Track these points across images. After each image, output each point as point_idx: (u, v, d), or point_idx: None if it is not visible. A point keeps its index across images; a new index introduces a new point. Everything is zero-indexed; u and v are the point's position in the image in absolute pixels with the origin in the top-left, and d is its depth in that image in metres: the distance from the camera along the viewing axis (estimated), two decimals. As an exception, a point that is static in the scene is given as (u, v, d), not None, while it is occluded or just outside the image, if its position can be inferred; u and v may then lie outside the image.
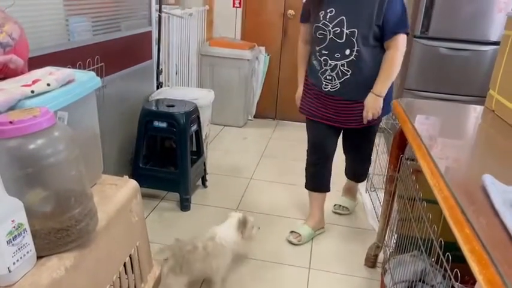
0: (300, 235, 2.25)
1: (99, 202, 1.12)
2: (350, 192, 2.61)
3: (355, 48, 1.94)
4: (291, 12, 3.89)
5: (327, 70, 2.03)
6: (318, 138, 2.25)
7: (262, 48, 3.98)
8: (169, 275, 1.64)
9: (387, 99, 2.04)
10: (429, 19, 3.01)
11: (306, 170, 2.34)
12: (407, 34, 1.95)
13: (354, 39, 1.92)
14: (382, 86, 1.98)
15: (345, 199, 2.59)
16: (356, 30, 1.90)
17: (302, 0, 2.38)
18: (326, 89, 2.07)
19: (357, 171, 2.48)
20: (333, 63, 2.01)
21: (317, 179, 2.30)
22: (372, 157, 2.45)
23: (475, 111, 1.75)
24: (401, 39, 1.93)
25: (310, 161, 2.31)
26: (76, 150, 0.95)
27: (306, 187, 2.34)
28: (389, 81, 1.99)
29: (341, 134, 2.29)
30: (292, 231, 2.28)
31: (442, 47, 3.04)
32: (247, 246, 2.05)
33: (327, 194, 2.35)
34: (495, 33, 2.93)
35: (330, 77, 2.04)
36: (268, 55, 4.03)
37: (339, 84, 2.03)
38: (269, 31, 3.99)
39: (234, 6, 3.93)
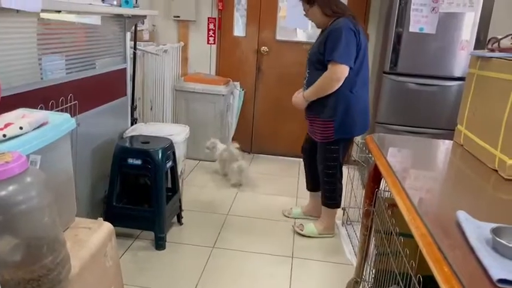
0: (291, 211, 2.91)
1: (72, 247, 1.08)
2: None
3: (308, 71, 2.46)
4: (264, 48, 3.98)
5: (303, 87, 2.53)
6: (304, 142, 2.76)
7: (237, 84, 4.04)
8: None
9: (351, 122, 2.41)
10: (397, 56, 3.14)
11: None
12: (344, 64, 2.28)
13: (308, 63, 2.46)
14: (308, 93, 2.41)
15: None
16: (309, 56, 2.45)
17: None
18: None
19: (322, 189, 2.67)
20: (304, 81, 2.51)
21: (305, 178, 2.85)
22: (335, 184, 2.58)
23: (445, 146, 1.80)
24: (332, 66, 2.29)
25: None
26: (49, 195, 0.92)
27: None
28: (315, 92, 2.38)
29: None
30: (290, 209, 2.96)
31: (410, 82, 3.15)
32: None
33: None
34: (459, 69, 3.08)
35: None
36: (243, 90, 4.08)
37: None
38: (243, 67, 4.06)
39: (208, 43, 3.99)
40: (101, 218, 1.28)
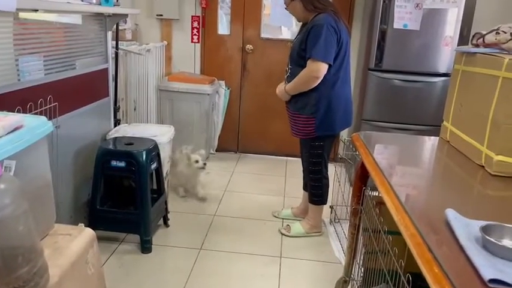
0: (280, 212, 2.89)
1: (51, 255, 1.04)
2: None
3: (289, 67, 2.44)
4: (249, 46, 3.95)
5: (285, 82, 2.50)
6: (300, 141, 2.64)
7: (222, 82, 4.00)
8: None
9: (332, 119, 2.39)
10: (382, 52, 3.13)
11: None
12: (322, 62, 2.26)
13: (290, 59, 2.43)
14: (289, 87, 2.40)
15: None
16: (291, 52, 2.43)
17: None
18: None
19: (308, 186, 2.66)
20: (285, 76, 2.49)
21: (303, 178, 2.76)
22: (320, 181, 2.56)
23: (432, 143, 1.80)
24: (311, 63, 2.27)
25: None
26: (24, 203, 0.88)
27: None
28: (295, 87, 2.38)
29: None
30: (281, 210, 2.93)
31: (395, 79, 3.16)
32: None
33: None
34: (443, 65, 3.09)
35: None
36: (228, 89, 4.04)
37: None
38: (228, 65, 4.02)
39: (192, 41, 3.94)
40: (82, 224, 1.23)
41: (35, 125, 1.05)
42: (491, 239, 0.89)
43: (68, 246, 1.11)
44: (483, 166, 1.40)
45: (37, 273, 0.89)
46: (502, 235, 0.94)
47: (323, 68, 2.26)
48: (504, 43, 1.41)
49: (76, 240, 1.15)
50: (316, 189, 2.57)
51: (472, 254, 0.86)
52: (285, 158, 4.04)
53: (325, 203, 2.63)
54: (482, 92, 1.45)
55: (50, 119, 1.91)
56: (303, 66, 2.32)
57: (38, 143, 1.07)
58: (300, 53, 2.33)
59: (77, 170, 2.33)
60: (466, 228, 0.96)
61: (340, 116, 2.43)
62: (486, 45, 1.50)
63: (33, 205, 0.93)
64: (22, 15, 1.83)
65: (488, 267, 0.81)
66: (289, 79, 2.43)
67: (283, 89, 2.46)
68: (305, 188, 2.79)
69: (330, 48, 2.26)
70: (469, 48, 1.58)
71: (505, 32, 1.42)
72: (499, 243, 0.89)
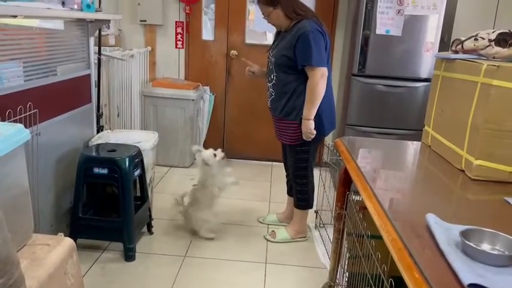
0: (265, 217, 2.88)
1: (28, 267, 1.01)
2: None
3: (274, 74, 2.40)
4: (233, 52, 3.95)
5: (268, 90, 2.51)
6: (282, 147, 2.69)
7: (207, 88, 3.99)
8: None
9: (319, 121, 2.36)
10: (365, 58, 3.16)
11: None
12: (322, 67, 2.27)
13: (273, 67, 2.39)
14: (306, 111, 2.32)
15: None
16: (274, 59, 2.38)
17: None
18: (268, 105, 2.53)
19: (293, 190, 2.63)
20: (268, 85, 2.49)
21: (287, 183, 2.80)
22: (306, 185, 2.56)
23: (414, 147, 1.82)
24: (312, 71, 2.27)
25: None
26: (-1, 213, 0.85)
27: None
28: (311, 106, 2.31)
29: None
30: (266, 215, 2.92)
31: (378, 84, 3.19)
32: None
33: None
34: (425, 70, 3.13)
35: (268, 95, 2.52)
36: (213, 94, 4.03)
37: (270, 103, 2.50)
38: (213, 71, 4.02)
39: (176, 47, 3.93)
40: (62, 234, 1.21)
41: (10, 133, 1.03)
42: (471, 244, 0.90)
43: (46, 257, 1.09)
44: (463, 170, 1.41)
45: (13, 286, 0.87)
46: (481, 239, 0.95)
47: (325, 71, 2.29)
48: (482, 49, 1.43)
49: (55, 251, 1.12)
50: (301, 194, 2.57)
51: (452, 258, 0.87)
52: (270, 163, 4.04)
53: (310, 207, 2.63)
54: (461, 97, 1.47)
55: (29, 126, 1.88)
56: (291, 74, 2.33)
57: (15, 151, 1.04)
58: (287, 61, 2.31)
59: (58, 177, 2.29)
60: (446, 232, 0.97)
61: (327, 119, 2.44)
62: (465, 52, 1.53)
63: (9, 214, 0.91)
64: (1, 21, 1.80)
65: (468, 272, 0.81)
66: (275, 87, 2.42)
67: (305, 123, 2.32)
68: (289, 193, 2.79)
69: (323, 53, 2.29)
70: (448, 54, 1.61)
71: (483, 38, 1.44)
72: (478, 248, 0.90)
